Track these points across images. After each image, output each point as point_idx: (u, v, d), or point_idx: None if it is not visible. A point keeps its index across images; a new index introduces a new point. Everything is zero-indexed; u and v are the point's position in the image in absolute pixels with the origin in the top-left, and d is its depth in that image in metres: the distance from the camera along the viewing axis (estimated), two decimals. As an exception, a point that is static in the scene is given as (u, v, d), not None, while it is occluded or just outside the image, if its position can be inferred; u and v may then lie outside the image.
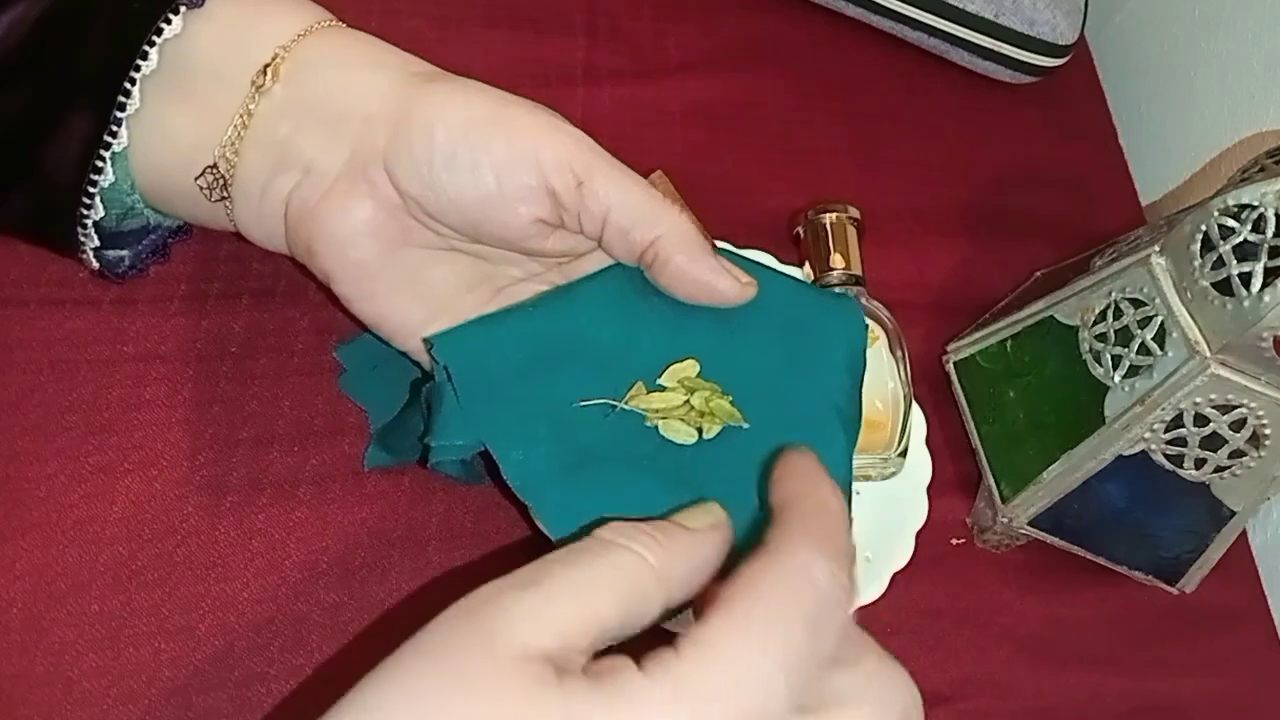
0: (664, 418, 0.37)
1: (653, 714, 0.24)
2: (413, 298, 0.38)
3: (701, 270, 0.37)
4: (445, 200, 0.36)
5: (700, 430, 0.38)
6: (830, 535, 0.28)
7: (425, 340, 0.37)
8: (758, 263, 0.40)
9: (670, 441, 0.38)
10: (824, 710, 0.26)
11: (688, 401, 0.38)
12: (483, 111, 0.36)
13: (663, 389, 0.38)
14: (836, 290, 0.49)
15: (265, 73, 0.36)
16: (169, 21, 0.36)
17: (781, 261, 0.51)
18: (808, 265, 0.50)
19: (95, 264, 0.39)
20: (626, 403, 0.37)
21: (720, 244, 0.48)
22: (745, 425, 0.38)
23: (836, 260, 0.49)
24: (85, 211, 0.37)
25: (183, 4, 0.36)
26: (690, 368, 0.38)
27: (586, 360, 0.37)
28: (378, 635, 0.40)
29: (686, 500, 0.36)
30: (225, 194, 0.37)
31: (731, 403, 0.38)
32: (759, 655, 0.25)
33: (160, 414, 0.41)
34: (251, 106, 0.36)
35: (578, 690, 0.24)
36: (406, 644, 0.25)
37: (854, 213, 0.50)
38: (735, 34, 0.61)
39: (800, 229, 0.51)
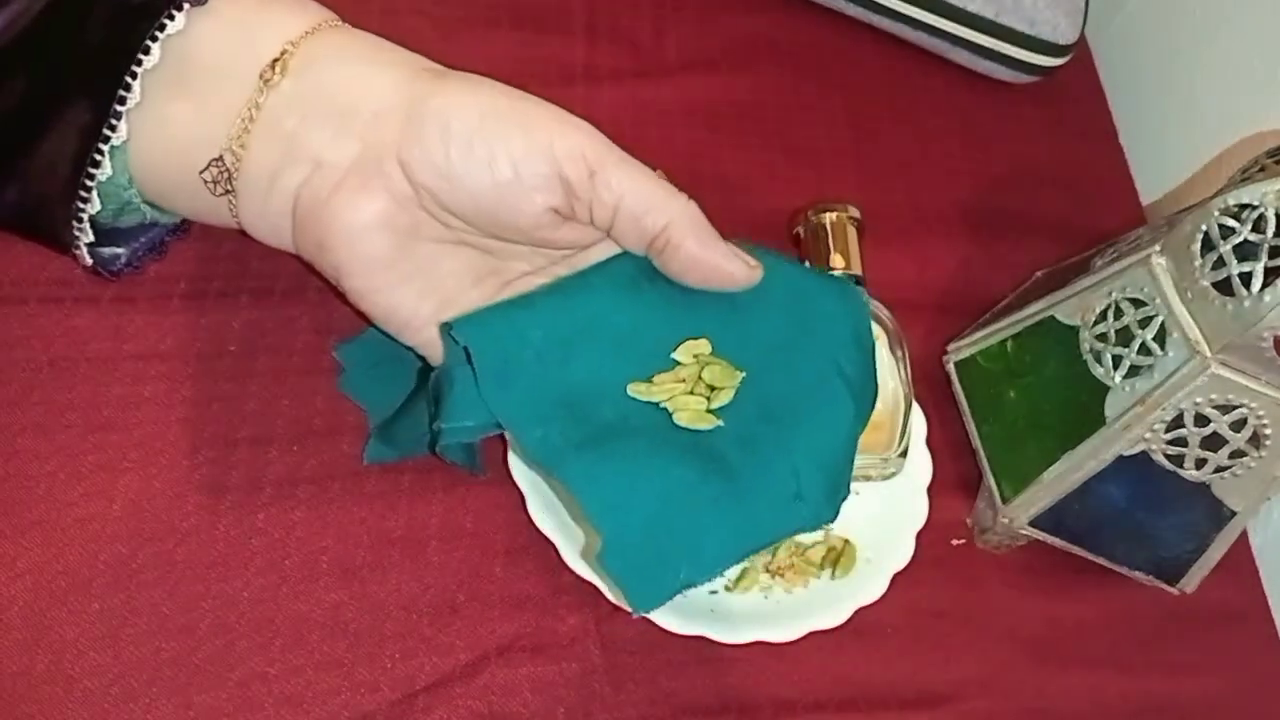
0: (671, 399, 0.38)
1: None
2: (422, 291, 0.38)
3: (712, 254, 0.38)
4: (461, 190, 0.36)
5: (709, 400, 0.38)
6: None
7: (443, 325, 0.38)
8: (763, 248, 0.41)
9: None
10: None
11: (699, 376, 0.38)
12: (496, 104, 0.36)
13: (676, 363, 0.39)
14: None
15: (274, 67, 0.36)
16: (172, 18, 0.36)
17: (782, 261, 0.51)
18: (808, 265, 0.50)
19: (89, 260, 0.39)
20: (636, 393, 0.38)
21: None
22: (743, 373, 0.39)
23: (836, 260, 0.49)
24: (81, 205, 0.37)
25: (186, 1, 0.36)
26: (704, 345, 0.39)
27: (602, 341, 0.38)
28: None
29: (708, 464, 0.36)
30: (230, 188, 0.37)
31: (737, 367, 0.39)
32: None
33: (159, 413, 0.41)
34: (260, 100, 0.36)
35: None
36: None
37: (854, 213, 0.50)
38: (735, 34, 0.61)
39: (800, 229, 0.51)
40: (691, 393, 0.38)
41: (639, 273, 0.39)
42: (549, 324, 0.38)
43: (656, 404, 0.38)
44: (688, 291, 0.39)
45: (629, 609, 0.35)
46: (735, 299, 0.39)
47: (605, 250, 0.39)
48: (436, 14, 0.55)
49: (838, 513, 0.38)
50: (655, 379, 0.38)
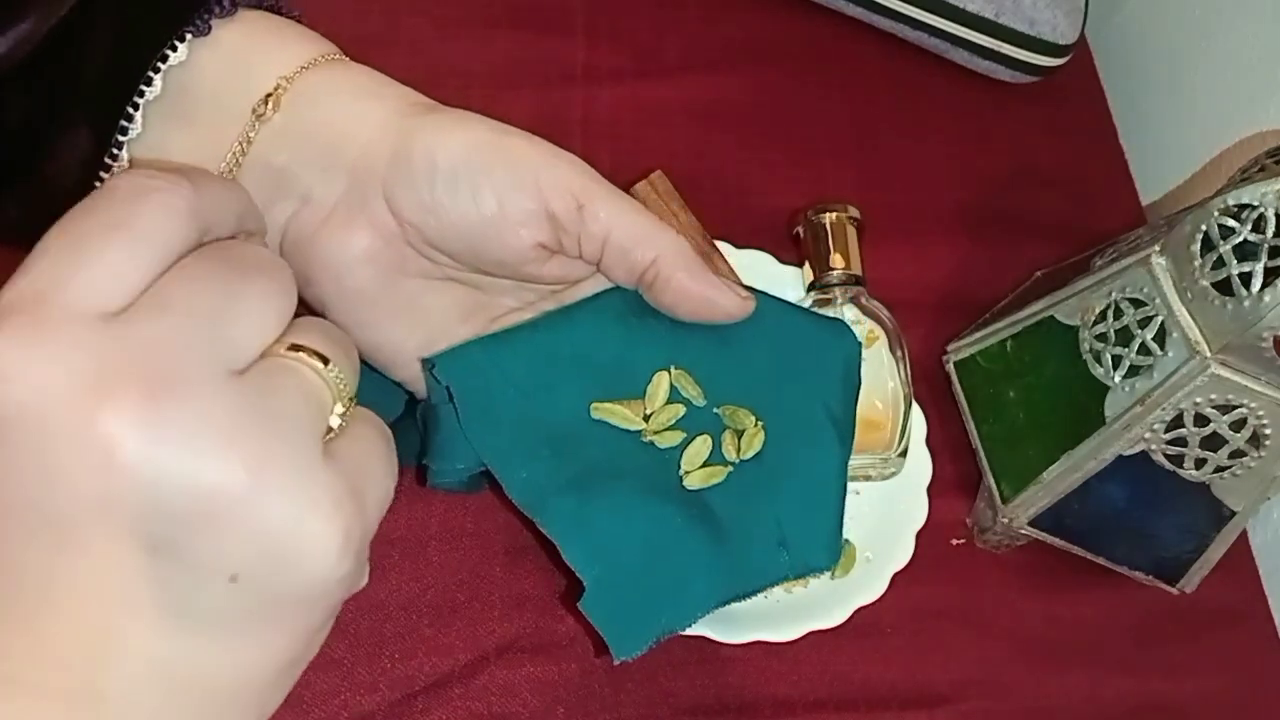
0: (658, 432, 0.38)
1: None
2: (408, 327, 0.38)
3: (703, 286, 0.37)
4: (446, 225, 0.36)
5: (688, 439, 0.38)
6: None
7: (425, 360, 0.37)
8: (753, 288, 0.41)
9: (671, 450, 0.38)
10: None
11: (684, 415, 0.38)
12: (483, 138, 0.36)
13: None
14: (836, 288, 0.49)
15: (266, 101, 0.36)
16: (174, 48, 0.35)
17: (781, 262, 0.51)
18: (808, 265, 0.50)
19: None
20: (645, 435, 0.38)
21: (719, 244, 0.49)
22: (700, 403, 0.38)
23: (836, 260, 0.49)
24: None
25: (189, 31, 0.36)
26: (671, 378, 0.38)
27: (587, 377, 0.38)
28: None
29: (691, 509, 0.36)
30: None
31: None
32: None
33: (160, 413, 0.41)
34: (251, 134, 0.36)
35: None
36: None
37: (854, 213, 0.50)
38: (735, 34, 0.61)
39: (800, 229, 0.51)
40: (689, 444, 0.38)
41: (627, 307, 0.38)
42: (533, 359, 0.37)
43: (640, 439, 0.38)
44: (677, 327, 0.38)
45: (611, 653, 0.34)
46: (726, 336, 0.38)
47: (595, 285, 0.39)
48: (436, 14, 0.55)
49: (836, 558, 0.38)
50: (621, 402, 0.38)
